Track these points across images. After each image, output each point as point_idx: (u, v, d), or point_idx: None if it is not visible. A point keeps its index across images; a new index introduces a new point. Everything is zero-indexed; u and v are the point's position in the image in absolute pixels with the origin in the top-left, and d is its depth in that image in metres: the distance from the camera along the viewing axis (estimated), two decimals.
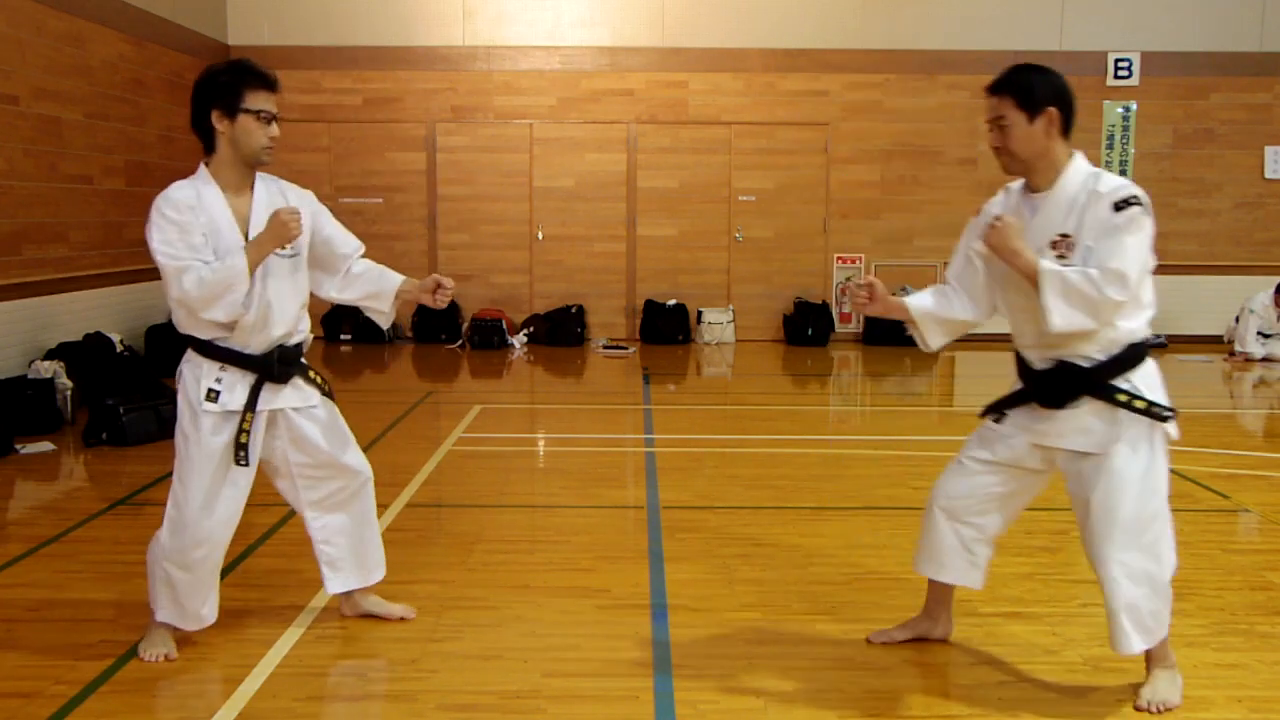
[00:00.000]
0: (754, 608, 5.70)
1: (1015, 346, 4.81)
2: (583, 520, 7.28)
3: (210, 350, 4.85)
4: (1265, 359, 15.02)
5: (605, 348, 16.12)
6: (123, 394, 9.61)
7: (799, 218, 17.29)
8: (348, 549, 5.32)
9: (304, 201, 5.09)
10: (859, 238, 17.30)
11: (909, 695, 4.70)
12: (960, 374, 14.87)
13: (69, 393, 10.29)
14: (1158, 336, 16.43)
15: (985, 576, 5.07)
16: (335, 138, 17.06)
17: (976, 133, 17.03)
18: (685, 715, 4.50)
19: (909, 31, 16.92)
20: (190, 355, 4.91)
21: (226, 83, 4.79)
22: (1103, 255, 4.33)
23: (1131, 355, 4.50)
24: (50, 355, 10.90)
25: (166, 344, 13.15)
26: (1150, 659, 4.65)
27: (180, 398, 4.89)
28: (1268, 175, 17.15)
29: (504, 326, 16.21)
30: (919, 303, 4.92)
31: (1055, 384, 4.59)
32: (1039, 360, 4.66)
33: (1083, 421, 4.54)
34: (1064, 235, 4.48)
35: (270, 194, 5.00)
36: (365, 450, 9.03)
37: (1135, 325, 4.49)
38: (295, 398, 5.03)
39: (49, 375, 10.23)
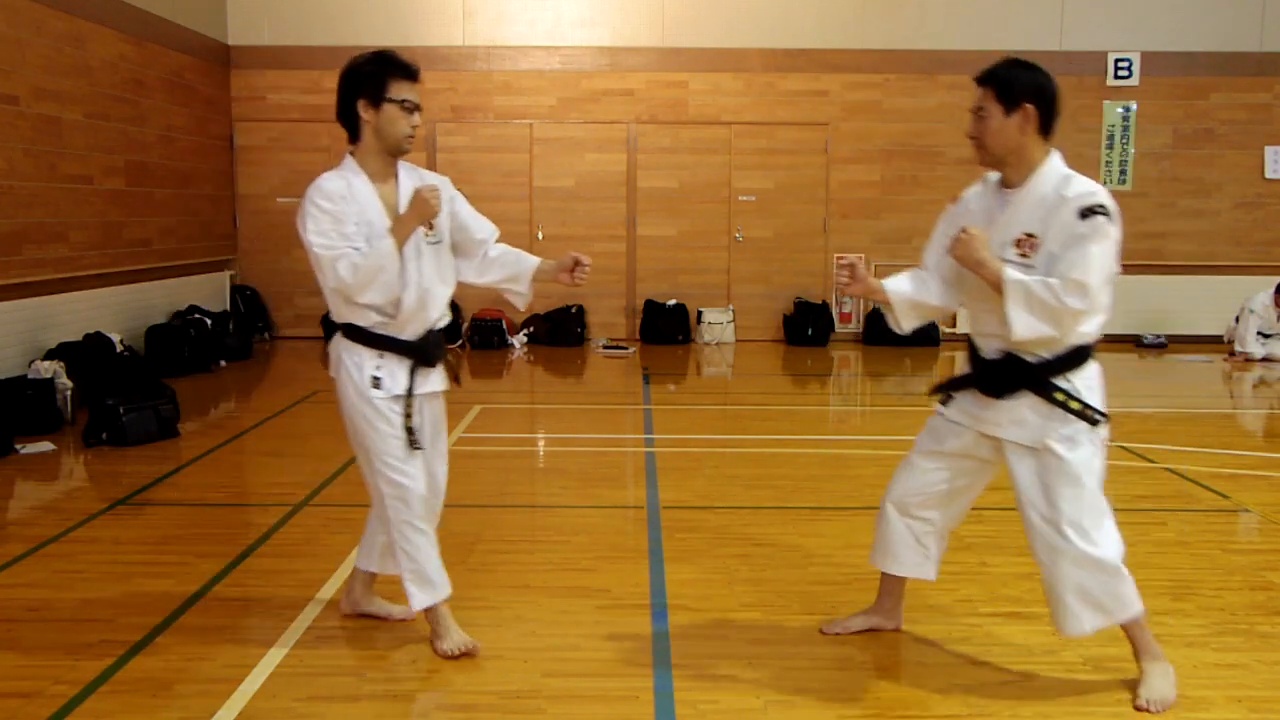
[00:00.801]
0: (754, 608, 5.71)
1: (970, 332, 4.91)
2: (582, 520, 7.28)
3: (368, 338, 4.93)
4: (1265, 359, 15.00)
5: (605, 348, 16.12)
6: (123, 394, 9.60)
7: (799, 218, 17.29)
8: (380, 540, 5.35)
9: (442, 184, 5.11)
10: (859, 237, 17.28)
11: (909, 695, 4.71)
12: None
13: (69, 393, 10.29)
14: (1157, 336, 16.49)
15: (938, 568, 5.21)
16: (335, 137, 16.84)
17: None
18: (685, 715, 4.50)
19: (909, 31, 16.92)
20: (346, 344, 4.99)
21: (372, 73, 4.86)
22: (1065, 264, 4.38)
23: (1075, 356, 4.58)
24: (50, 355, 10.89)
25: (166, 344, 13.17)
26: (1137, 652, 4.73)
27: (346, 386, 4.98)
28: (1268, 175, 17.14)
29: (504, 326, 16.21)
30: (896, 286, 5.03)
31: (999, 374, 4.68)
32: (989, 349, 4.75)
33: (1020, 414, 4.63)
34: (1029, 234, 4.54)
35: (413, 181, 5.06)
36: None
37: (1086, 328, 4.54)
38: (438, 381, 5.16)
39: (49, 375, 10.23)
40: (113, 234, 13.16)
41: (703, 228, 17.28)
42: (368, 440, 4.94)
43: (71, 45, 12.26)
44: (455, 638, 5.04)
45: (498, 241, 5.33)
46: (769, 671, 4.93)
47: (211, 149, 16.24)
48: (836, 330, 17.16)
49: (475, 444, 9.61)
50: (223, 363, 14.16)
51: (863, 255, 17.10)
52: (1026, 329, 4.42)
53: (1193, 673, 4.66)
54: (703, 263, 17.28)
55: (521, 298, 5.37)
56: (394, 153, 4.98)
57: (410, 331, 4.95)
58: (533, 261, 5.29)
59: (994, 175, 4.81)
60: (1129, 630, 4.73)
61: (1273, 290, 14.99)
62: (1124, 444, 9.42)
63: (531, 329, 16.61)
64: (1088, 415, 4.53)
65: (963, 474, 4.96)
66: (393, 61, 4.88)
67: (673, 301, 17.01)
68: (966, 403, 4.86)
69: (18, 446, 9.19)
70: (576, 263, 5.23)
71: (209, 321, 14.38)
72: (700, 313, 17.02)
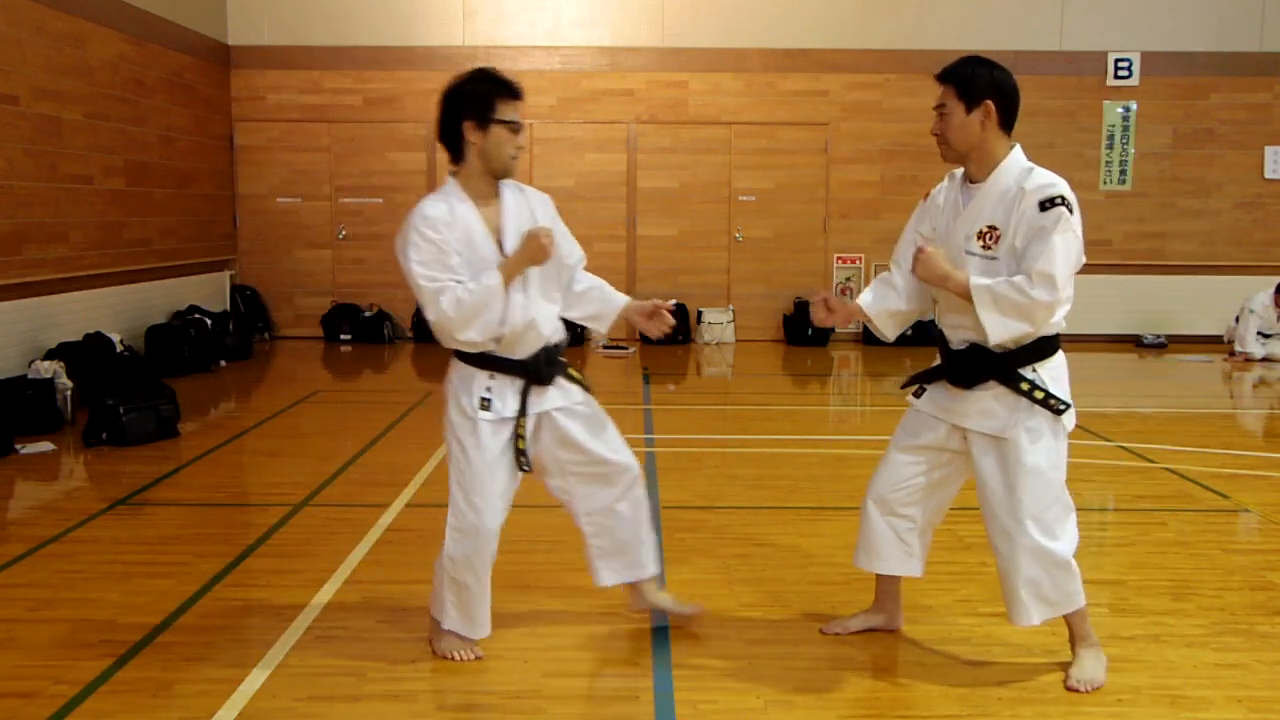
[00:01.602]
0: (754, 607, 5.71)
1: (939, 324, 4.96)
2: None
3: (478, 360, 4.84)
4: (1265, 359, 15.00)
5: (605, 348, 16.10)
6: (123, 394, 9.60)
7: (799, 218, 17.29)
8: (619, 543, 5.24)
9: (546, 209, 5.04)
10: (859, 238, 17.29)
11: (908, 695, 4.71)
12: None
13: (69, 393, 10.29)
14: (1157, 336, 16.50)
15: (924, 564, 5.23)
16: (335, 138, 17.06)
17: None
18: (685, 715, 4.50)
19: (909, 31, 16.91)
20: (458, 364, 4.91)
21: (478, 93, 4.78)
22: (1030, 257, 4.45)
23: (1041, 346, 4.64)
24: (50, 355, 10.89)
25: (166, 344, 13.17)
26: (1073, 638, 4.87)
27: (451, 406, 4.90)
28: (1268, 175, 17.13)
29: None
30: (871, 301, 5.12)
31: (966, 365, 4.75)
32: (956, 340, 4.81)
33: (986, 404, 4.70)
34: (991, 227, 4.60)
35: (518, 202, 4.96)
36: (364, 450, 9.10)
37: (1054, 319, 4.59)
38: (559, 397, 5.00)
39: (49, 375, 10.23)
40: (113, 234, 13.16)
41: (703, 228, 17.29)
42: (454, 462, 4.89)
43: (71, 45, 12.26)
44: (462, 646, 5.03)
45: (584, 269, 5.26)
46: (769, 671, 4.93)
47: (211, 149, 16.24)
48: (836, 330, 17.14)
49: None
50: (223, 363, 14.16)
51: (862, 255, 17.17)
52: (1002, 331, 4.51)
53: (1193, 673, 4.66)
54: (703, 263, 17.29)
55: (600, 332, 5.39)
56: (499, 175, 4.87)
57: (522, 351, 4.86)
58: (619, 302, 5.26)
59: (959, 171, 4.89)
60: (1070, 618, 4.85)
61: (1272, 290, 14.99)
62: (1124, 444, 9.43)
63: None
64: (1052, 405, 4.59)
65: (938, 467, 5.01)
66: (499, 81, 4.81)
67: (673, 301, 16.93)
68: (938, 395, 4.94)
69: (18, 446, 9.19)
70: (656, 309, 5.22)
71: (209, 321, 14.39)
72: (700, 313, 17.02)
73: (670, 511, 7.46)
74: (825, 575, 6.22)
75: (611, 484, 5.14)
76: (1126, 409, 11.22)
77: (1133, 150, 16.88)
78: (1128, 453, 9.17)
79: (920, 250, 4.66)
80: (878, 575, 5.30)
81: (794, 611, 5.67)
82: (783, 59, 16.98)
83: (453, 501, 4.88)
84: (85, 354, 11.14)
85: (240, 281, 16.98)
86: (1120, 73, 16.83)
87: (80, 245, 12.41)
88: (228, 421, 10.90)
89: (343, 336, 16.82)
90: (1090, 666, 4.79)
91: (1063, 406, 4.62)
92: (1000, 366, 4.64)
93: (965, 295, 4.53)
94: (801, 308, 16.89)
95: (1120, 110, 16.87)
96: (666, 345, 16.39)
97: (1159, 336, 16.66)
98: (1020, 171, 4.60)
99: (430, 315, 4.68)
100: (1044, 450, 4.62)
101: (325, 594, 5.81)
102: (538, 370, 4.87)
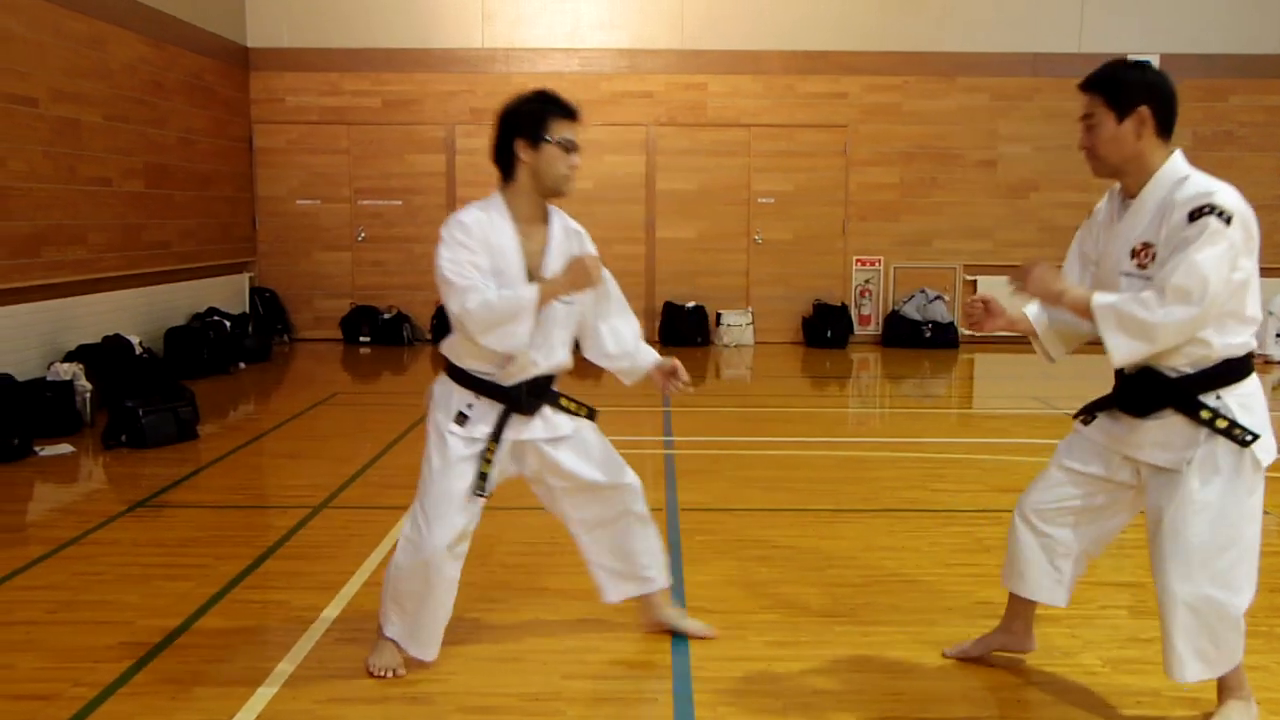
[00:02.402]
0: (773, 609, 5.70)
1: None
2: None
3: (466, 379, 4.80)
4: None
5: None
6: (142, 396, 9.62)
7: (818, 220, 17.27)
8: (621, 561, 5.20)
9: (588, 245, 5.00)
10: (878, 240, 17.27)
11: (929, 697, 4.69)
12: (979, 375, 14.86)
13: (88, 395, 10.31)
14: None
15: (1070, 594, 4.80)
16: (354, 140, 17.08)
17: (996, 135, 17.05)
18: (704, 718, 4.49)
19: (928, 33, 16.89)
20: (442, 378, 4.88)
21: (532, 112, 4.73)
22: (1166, 271, 4.04)
23: (1225, 371, 4.22)
24: (69, 357, 10.92)
25: (185, 346, 13.20)
26: (1222, 688, 4.45)
27: (430, 418, 4.86)
28: None
29: None
30: (1040, 315, 4.66)
31: (1139, 391, 4.33)
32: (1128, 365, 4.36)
33: (1162, 435, 4.28)
34: (1146, 244, 4.21)
35: (566, 232, 4.94)
36: (383, 453, 9.10)
37: (1233, 340, 4.20)
38: (541, 429, 4.91)
39: (68, 377, 10.25)
40: (132, 236, 13.19)
41: (721, 230, 17.28)
42: (422, 472, 4.82)
43: (91, 47, 12.29)
44: (389, 661, 4.93)
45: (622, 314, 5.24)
46: (788, 674, 4.92)
47: (231, 151, 16.28)
48: (855, 332, 17.13)
49: None
50: (242, 365, 14.19)
51: (882, 257, 17.15)
52: (1125, 353, 4.13)
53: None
54: (721, 265, 17.27)
55: (628, 381, 5.39)
56: (550, 195, 4.80)
57: (509, 380, 4.79)
58: (648, 360, 5.23)
59: (1118, 185, 4.47)
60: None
61: None
62: None
63: None
64: (1236, 435, 4.17)
65: (1104, 492, 4.59)
66: (554, 101, 4.78)
67: (692, 303, 17.00)
68: (1107, 423, 4.52)
69: (37, 448, 9.21)
70: (674, 370, 5.15)
71: (228, 324, 14.42)
72: (719, 315, 17.00)
73: (689, 513, 7.46)
74: (844, 577, 6.21)
75: (607, 503, 5.11)
76: None
77: None
78: None
79: (1020, 269, 4.33)
80: (1010, 594, 4.93)
81: (813, 614, 5.66)
82: (802, 61, 16.97)
83: (410, 512, 4.83)
84: (104, 356, 11.16)
85: (259, 284, 17.02)
86: None
87: (99, 247, 12.44)
88: (247, 424, 10.92)
89: (362, 339, 16.85)
90: (1237, 718, 4.40)
91: (1250, 438, 4.17)
92: (1179, 393, 4.22)
93: (1084, 313, 4.19)
94: (820, 309, 16.88)
95: None
96: (685, 348, 16.38)
97: None
98: (1175, 181, 4.20)
99: (454, 309, 4.58)
100: (1222, 486, 4.19)
101: (344, 596, 5.81)
102: (518, 400, 4.80)
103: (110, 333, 11.85)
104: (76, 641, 5.23)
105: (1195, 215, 4.03)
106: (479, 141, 16.85)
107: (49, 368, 10.53)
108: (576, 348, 5.03)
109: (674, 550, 6.64)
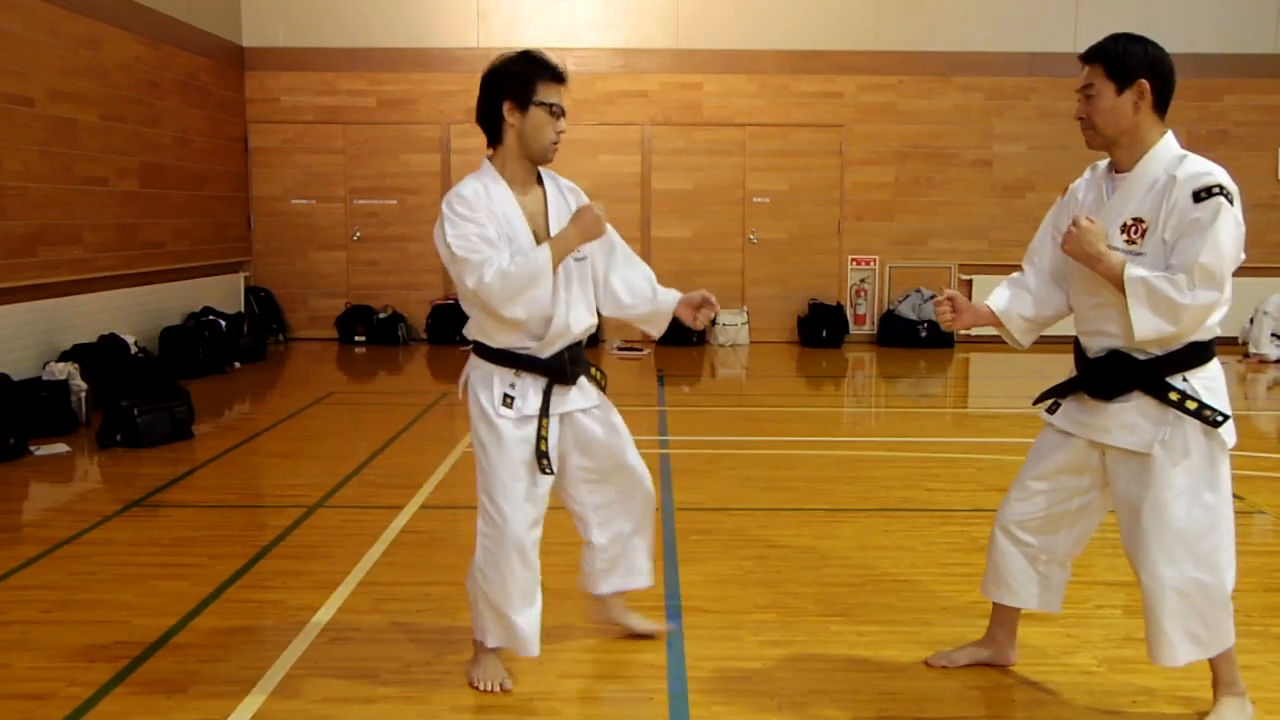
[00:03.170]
0: (768, 609, 5.70)
1: (1075, 331, 4.55)
2: None
3: (499, 357, 4.68)
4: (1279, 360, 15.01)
5: (620, 349, 16.10)
6: (137, 395, 9.61)
7: (813, 219, 17.28)
8: (617, 552, 5.13)
9: (581, 197, 4.96)
10: (873, 239, 17.28)
11: (923, 697, 4.69)
12: (974, 375, 14.88)
13: (83, 394, 10.31)
14: None
15: (1062, 599, 4.84)
16: (350, 139, 17.08)
17: (991, 134, 17.06)
18: (699, 717, 4.50)
19: (923, 33, 16.91)
20: (477, 363, 4.75)
21: (519, 74, 4.61)
22: (1188, 254, 4.06)
23: (1192, 353, 4.23)
24: (65, 357, 10.92)
25: (180, 345, 13.19)
26: (1217, 684, 4.44)
27: (473, 408, 4.71)
28: None
29: None
30: (1004, 306, 4.67)
31: (1106, 374, 4.34)
32: (1094, 348, 4.41)
33: (1130, 418, 4.28)
34: (1137, 219, 4.23)
35: (561, 190, 4.93)
36: (379, 452, 9.11)
37: (1209, 321, 4.20)
38: (580, 399, 4.85)
39: (63, 377, 10.25)
40: (127, 236, 13.19)
41: (717, 229, 17.28)
42: (480, 465, 4.69)
43: (86, 47, 12.29)
44: (495, 676, 4.79)
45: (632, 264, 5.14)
46: (783, 673, 4.93)
47: (226, 151, 16.27)
48: (851, 332, 17.14)
49: None
50: (237, 364, 14.20)
51: (877, 257, 17.15)
52: (1149, 328, 4.10)
53: (1207, 675, 4.63)
54: (717, 264, 17.27)
55: (656, 332, 5.18)
56: (537, 160, 4.77)
57: (547, 350, 4.67)
58: (670, 300, 5.06)
59: (1102, 162, 4.52)
60: (1216, 661, 4.40)
61: None
62: None
63: None
64: (1205, 415, 4.16)
65: (1078, 494, 4.58)
66: (540, 62, 4.64)
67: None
68: (1073, 409, 4.52)
69: (32, 448, 9.21)
70: (705, 300, 5.00)
71: (223, 323, 14.42)
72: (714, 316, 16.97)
73: (684, 513, 7.46)
74: (840, 577, 6.21)
75: (623, 489, 5.05)
76: None
77: None
78: None
79: (1076, 222, 4.22)
80: (995, 605, 4.93)
81: (808, 613, 5.66)
82: (797, 61, 16.97)
83: (480, 509, 4.69)
84: (100, 356, 11.16)
85: (255, 283, 17.01)
86: None
87: (95, 247, 12.43)
88: (242, 423, 10.92)
89: (357, 338, 16.84)
90: (1231, 718, 4.40)
91: (1220, 418, 4.17)
92: (1147, 375, 4.24)
93: (1116, 281, 4.13)
94: (816, 309, 16.88)
95: None
96: (681, 347, 16.39)
97: None
98: (1172, 159, 4.24)
99: (470, 284, 4.46)
100: (1197, 468, 4.19)
101: (340, 596, 5.81)
102: (561, 369, 4.69)
103: (105, 332, 11.85)
104: (72, 641, 5.23)
105: (1203, 195, 4.08)
106: (474, 141, 16.86)
107: (44, 367, 10.53)
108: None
109: (669, 549, 6.64)
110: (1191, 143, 16.54)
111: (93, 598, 5.82)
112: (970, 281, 17.00)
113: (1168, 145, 4.31)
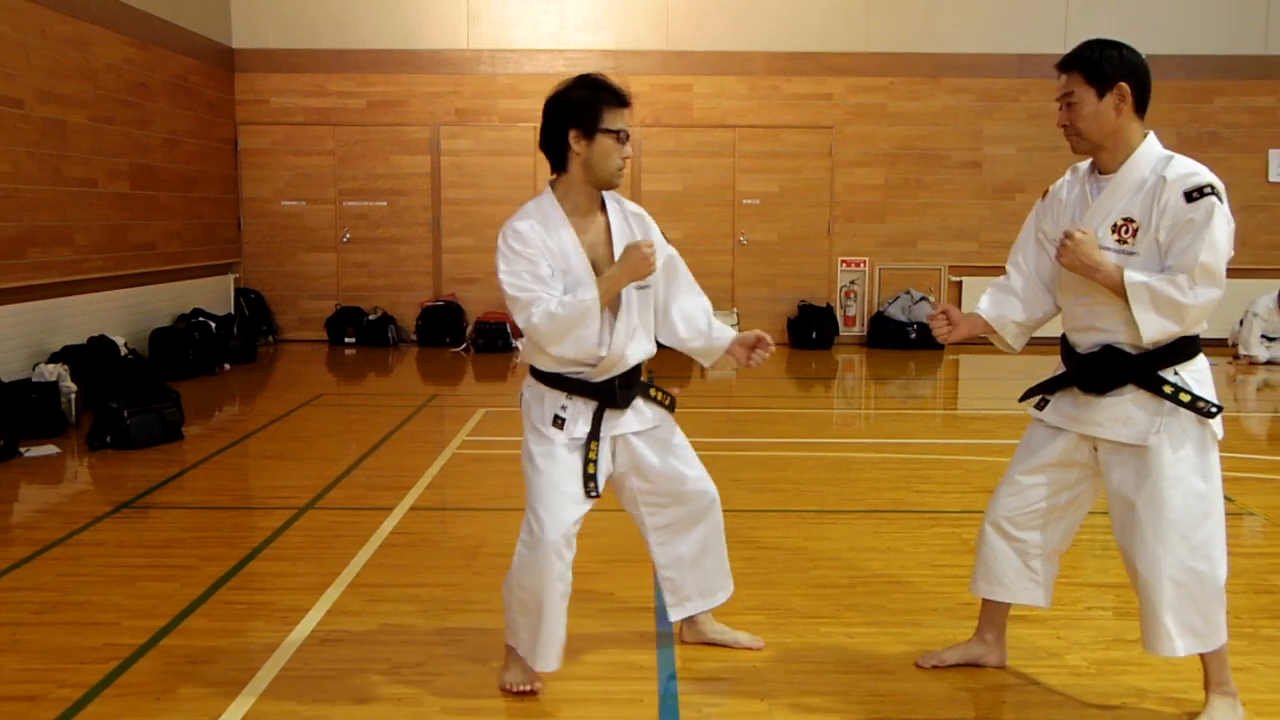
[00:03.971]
0: (758, 610, 5.70)
1: (1063, 329, 4.58)
2: (587, 524, 7.21)
3: (552, 380, 4.68)
4: (1269, 362, 15.00)
5: None
6: (127, 397, 9.61)
7: (803, 221, 17.28)
8: (691, 574, 5.08)
9: (647, 226, 4.86)
10: (863, 241, 17.29)
11: (913, 699, 4.70)
12: (964, 377, 14.89)
13: (73, 396, 10.30)
14: None
15: (1050, 594, 4.86)
16: (340, 141, 17.07)
17: (981, 136, 17.08)
18: (689, 718, 4.50)
19: (913, 35, 16.92)
20: (531, 382, 4.76)
21: (584, 100, 4.57)
22: (1187, 254, 4.13)
23: (1183, 347, 4.29)
24: (54, 358, 10.91)
25: (170, 347, 13.18)
26: (1209, 684, 4.45)
27: (526, 424, 4.72)
28: (1272, 178, 17.15)
29: (508, 330, 16.20)
30: (995, 313, 4.71)
31: (1098, 369, 4.37)
32: (1084, 343, 4.45)
33: (1124, 410, 4.33)
34: (1127, 219, 4.28)
35: (624, 216, 4.82)
36: (368, 454, 9.10)
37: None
38: (635, 421, 4.82)
39: (53, 378, 10.24)
40: (117, 237, 13.17)
41: (707, 231, 17.28)
42: (527, 477, 4.67)
43: (76, 49, 12.28)
44: (522, 678, 4.77)
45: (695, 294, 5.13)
46: (773, 674, 4.93)
47: (216, 152, 16.26)
48: (841, 334, 17.15)
49: (480, 447, 9.62)
50: (227, 366, 14.19)
51: (867, 258, 17.16)
52: (1156, 330, 4.17)
53: (1197, 676, 4.63)
54: (707, 266, 17.23)
55: (707, 363, 5.26)
56: (604, 186, 4.67)
57: (600, 376, 4.67)
58: (725, 338, 5.09)
59: (1083, 164, 4.56)
60: (1209, 659, 4.42)
61: (1276, 294, 14.99)
62: None
63: None
64: (1200, 407, 4.22)
65: (1066, 488, 4.63)
66: (605, 87, 4.60)
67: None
68: (1063, 404, 4.56)
69: (22, 449, 9.20)
70: (759, 340, 5.01)
71: (213, 325, 14.40)
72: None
73: None
74: (829, 578, 6.22)
75: (692, 514, 5.00)
76: None
77: None
78: None
79: (1068, 234, 4.26)
80: (984, 602, 4.96)
81: (798, 614, 5.67)
82: (787, 62, 16.98)
83: (525, 522, 4.64)
84: (89, 357, 11.14)
85: (244, 285, 17.00)
86: None
87: (84, 248, 12.41)
88: (232, 425, 10.91)
89: (347, 340, 16.84)
90: (1222, 718, 4.40)
91: (1213, 409, 4.23)
92: (1139, 369, 4.29)
93: (1115, 288, 4.19)
94: (806, 310, 16.88)
95: None
96: (670, 348, 16.33)
97: None
98: (1158, 159, 4.31)
99: (521, 323, 4.50)
100: (1191, 458, 4.24)
101: (330, 598, 5.80)
102: (612, 394, 4.67)
103: (95, 334, 11.82)
104: (62, 642, 5.23)
105: (1195, 195, 4.16)
106: (464, 142, 16.93)
107: (34, 369, 10.52)
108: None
109: None
110: (1182, 144, 16.66)
111: (82, 599, 5.81)
112: (960, 283, 17.02)
113: (1151, 146, 4.37)
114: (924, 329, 16.45)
